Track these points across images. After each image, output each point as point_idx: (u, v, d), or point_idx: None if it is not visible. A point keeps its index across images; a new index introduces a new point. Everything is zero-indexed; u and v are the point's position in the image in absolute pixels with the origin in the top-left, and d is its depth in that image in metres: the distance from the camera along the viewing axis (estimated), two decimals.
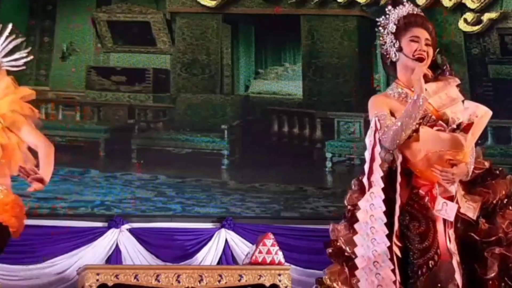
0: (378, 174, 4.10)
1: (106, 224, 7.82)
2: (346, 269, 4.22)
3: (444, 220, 4.04)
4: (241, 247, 7.85)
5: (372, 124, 4.18)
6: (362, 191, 4.22)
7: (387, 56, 4.34)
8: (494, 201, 4.15)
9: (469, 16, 8.71)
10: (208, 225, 8.01)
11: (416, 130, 4.12)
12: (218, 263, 7.78)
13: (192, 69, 8.57)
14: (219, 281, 7.23)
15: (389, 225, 4.07)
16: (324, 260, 8.28)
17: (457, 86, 4.29)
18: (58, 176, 8.07)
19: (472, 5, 8.71)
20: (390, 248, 4.01)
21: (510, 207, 4.16)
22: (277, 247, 7.43)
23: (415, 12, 4.35)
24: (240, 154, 8.48)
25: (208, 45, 8.62)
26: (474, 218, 4.07)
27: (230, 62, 8.67)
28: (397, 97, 4.25)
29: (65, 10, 8.47)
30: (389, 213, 4.08)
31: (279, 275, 7.31)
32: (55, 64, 8.39)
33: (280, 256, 7.42)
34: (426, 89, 4.15)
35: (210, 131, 8.47)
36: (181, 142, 8.41)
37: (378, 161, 4.10)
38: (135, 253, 7.74)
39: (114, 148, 8.32)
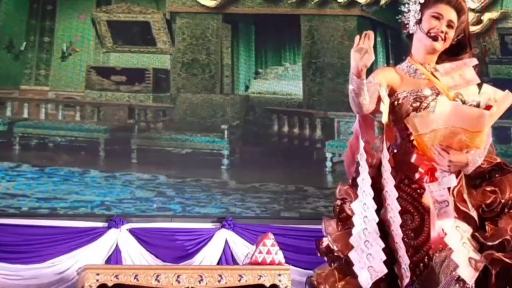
0: (363, 162, 3.80)
1: (106, 224, 7.82)
2: (335, 272, 3.91)
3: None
4: (241, 247, 7.85)
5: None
6: (352, 182, 3.97)
7: (407, 26, 4.04)
8: (503, 201, 3.73)
9: (469, 16, 8.70)
10: (208, 225, 8.01)
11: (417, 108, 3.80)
12: (218, 263, 7.77)
13: (192, 69, 8.57)
14: (219, 281, 7.23)
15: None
16: (325, 260, 8.27)
17: (474, 67, 3.96)
18: (58, 176, 8.09)
19: (472, 5, 8.70)
20: (384, 250, 3.68)
21: None
22: (277, 247, 7.43)
23: None
24: (240, 154, 8.48)
25: (208, 45, 8.62)
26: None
27: (230, 62, 8.67)
28: (406, 71, 3.97)
29: (65, 10, 8.47)
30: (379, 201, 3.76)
31: (279, 275, 7.31)
32: (55, 64, 8.39)
33: (280, 256, 7.41)
34: (430, 65, 3.90)
35: (210, 131, 8.47)
36: (181, 142, 8.41)
37: (362, 145, 3.81)
38: (135, 253, 7.73)
39: (114, 148, 8.32)
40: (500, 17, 8.73)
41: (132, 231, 7.82)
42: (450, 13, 3.94)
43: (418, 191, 3.80)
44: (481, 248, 3.67)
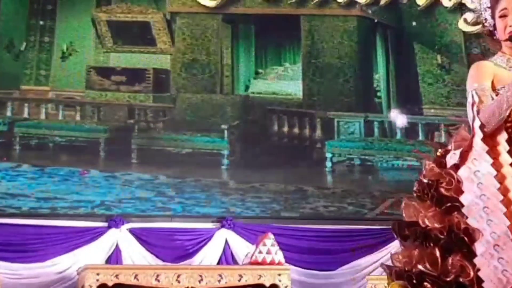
0: (480, 146, 3.59)
1: (106, 224, 7.82)
2: (437, 252, 3.68)
3: None
4: (241, 247, 7.85)
5: (469, 99, 3.72)
6: (442, 166, 3.79)
7: (494, 31, 3.93)
8: None
9: (469, 16, 8.70)
10: (208, 225, 8.01)
11: None
12: (218, 263, 7.77)
13: (192, 69, 8.57)
14: (219, 281, 7.23)
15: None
16: (325, 260, 8.29)
17: None
18: (58, 176, 8.09)
19: (471, 5, 8.69)
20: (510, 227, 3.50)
21: None
22: (277, 247, 7.43)
23: None
24: (240, 154, 8.48)
25: (208, 45, 8.62)
26: None
27: (230, 62, 8.67)
28: (502, 64, 3.85)
29: (65, 10, 8.48)
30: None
31: (279, 275, 7.31)
32: (55, 64, 8.39)
33: (280, 256, 7.42)
34: None
35: (210, 131, 8.47)
36: (181, 142, 8.41)
37: (479, 135, 3.63)
38: (135, 253, 7.74)
39: (114, 148, 8.32)
40: None
41: (132, 231, 7.82)
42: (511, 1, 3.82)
43: None
44: None
